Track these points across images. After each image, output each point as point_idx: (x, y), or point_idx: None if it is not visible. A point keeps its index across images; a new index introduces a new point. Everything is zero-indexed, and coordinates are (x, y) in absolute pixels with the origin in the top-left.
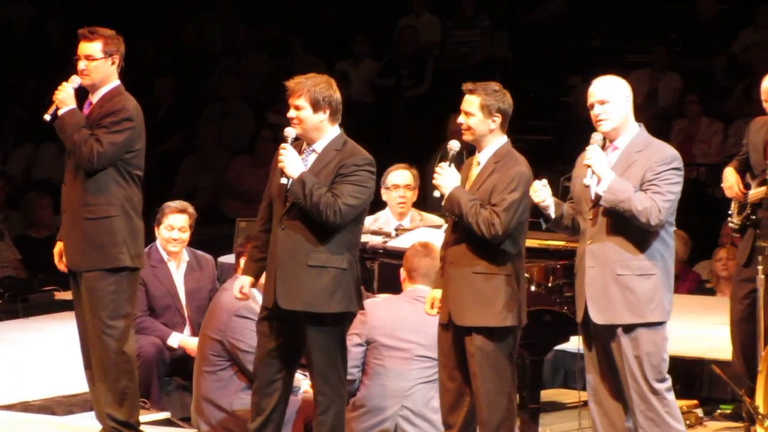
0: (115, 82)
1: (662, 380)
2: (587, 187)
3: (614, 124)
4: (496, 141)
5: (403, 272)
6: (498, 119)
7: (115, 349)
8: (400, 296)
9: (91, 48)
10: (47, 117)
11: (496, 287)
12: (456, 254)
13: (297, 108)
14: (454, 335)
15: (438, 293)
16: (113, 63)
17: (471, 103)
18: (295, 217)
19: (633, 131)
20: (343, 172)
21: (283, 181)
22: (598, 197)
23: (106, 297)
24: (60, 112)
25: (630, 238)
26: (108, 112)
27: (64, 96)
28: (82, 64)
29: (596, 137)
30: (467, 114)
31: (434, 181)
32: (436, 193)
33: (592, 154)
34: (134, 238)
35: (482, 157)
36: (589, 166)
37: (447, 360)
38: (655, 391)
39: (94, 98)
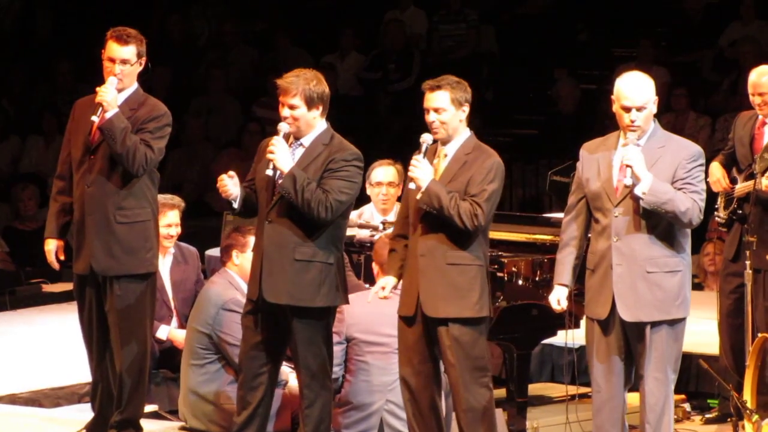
0: (136, 83)
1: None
2: (627, 187)
3: (644, 128)
4: (462, 133)
5: (375, 266)
6: (466, 109)
7: (144, 351)
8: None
9: (127, 52)
10: (95, 118)
11: (471, 278)
12: (427, 246)
13: (292, 107)
14: (423, 328)
15: (392, 280)
16: (141, 65)
17: (440, 98)
18: (281, 212)
19: (650, 128)
20: (331, 167)
21: (269, 172)
22: (629, 194)
23: (142, 298)
24: (107, 115)
25: (657, 235)
26: (150, 117)
27: (111, 99)
28: (117, 69)
29: (631, 137)
30: (438, 110)
31: (410, 174)
32: (412, 186)
33: (631, 154)
34: (157, 241)
35: (449, 150)
36: (629, 166)
37: (412, 354)
38: (670, 383)
39: (119, 99)
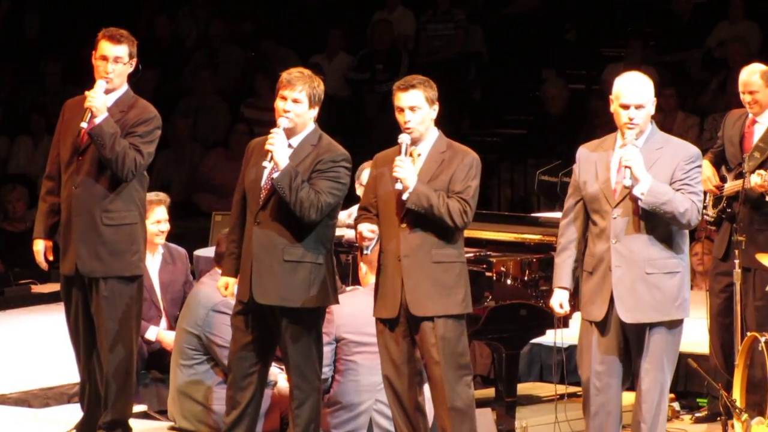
0: (126, 84)
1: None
2: (626, 187)
3: (642, 127)
4: (432, 131)
5: (363, 266)
6: (437, 108)
7: (130, 352)
8: (363, 290)
9: (119, 51)
10: (84, 125)
11: (456, 276)
12: (410, 247)
13: (296, 101)
14: (406, 328)
15: (374, 227)
16: (132, 66)
17: (415, 97)
18: (270, 212)
19: (647, 129)
20: (320, 167)
21: (265, 164)
22: (628, 196)
23: (128, 300)
24: (96, 121)
25: (657, 236)
26: (140, 121)
27: (100, 104)
28: (110, 68)
29: (630, 136)
30: (414, 109)
31: (397, 174)
32: (398, 186)
33: (630, 155)
34: (144, 244)
35: (423, 149)
36: (628, 167)
37: (396, 355)
38: (666, 383)
39: (109, 100)
